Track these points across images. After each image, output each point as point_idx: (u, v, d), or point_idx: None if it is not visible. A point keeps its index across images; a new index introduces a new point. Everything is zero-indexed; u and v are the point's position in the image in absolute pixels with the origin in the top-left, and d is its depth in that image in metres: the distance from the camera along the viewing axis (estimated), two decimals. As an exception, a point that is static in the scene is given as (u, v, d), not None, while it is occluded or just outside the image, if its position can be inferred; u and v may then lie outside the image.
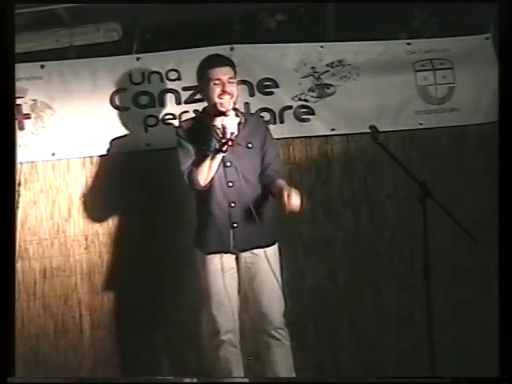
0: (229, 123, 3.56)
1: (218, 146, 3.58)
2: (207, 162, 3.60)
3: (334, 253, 4.36)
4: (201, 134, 3.69)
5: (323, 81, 4.32)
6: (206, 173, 3.61)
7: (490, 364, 3.40)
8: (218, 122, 3.61)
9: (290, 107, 4.30)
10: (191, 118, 3.99)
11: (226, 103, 3.64)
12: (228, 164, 3.65)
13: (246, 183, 3.66)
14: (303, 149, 4.27)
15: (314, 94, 4.32)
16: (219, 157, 3.60)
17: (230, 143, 3.54)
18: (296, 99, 4.31)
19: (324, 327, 4.36)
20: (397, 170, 3.53)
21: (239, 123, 3.66)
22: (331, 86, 4.33)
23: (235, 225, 3.66)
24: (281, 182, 3.66)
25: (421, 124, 4.40)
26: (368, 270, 4.37)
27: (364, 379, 4.12)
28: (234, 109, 3.70)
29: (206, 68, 3.71)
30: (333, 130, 4.35)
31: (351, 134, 4.34)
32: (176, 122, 4.19)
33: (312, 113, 4.32)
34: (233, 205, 3.66)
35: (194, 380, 3.65)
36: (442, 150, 4.42)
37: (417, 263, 3.87)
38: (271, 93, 4.26)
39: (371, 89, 4.34)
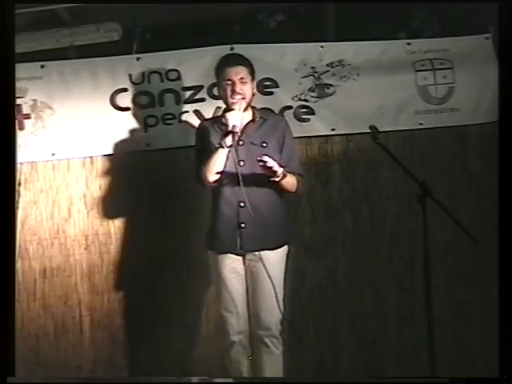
0: (231, 116, 3.57)
1: (220, 140, 3.59)
2: (213, 158, 3.59)
3: (334, 253, 4.36)
4: (213, 131, 3.72)
5: (323, 81, 4.32)
6: (212, 168, 3.60)
7: (489, 364, 3.40)
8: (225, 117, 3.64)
9: (290, 107, 4.29)
10: (212, 118, 4.00)
11: (237, 103, 3.63)
12: (241, 163, 3.63)
13: (258, 183, 3.63)
14: (303, 149, 4.27)
15: (313, 94, 4.32)
16: (224, 151, 3.58)
17: (231, 136, 3.55)
18: (296, 99, 4.30)
19: (324, 327, 4.36)
20: (397, 170, 3.53)
21: (252, 121, 3.69)
22: (331, 85, 4.33)
23: (243, 225, 3.63)
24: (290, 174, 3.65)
25: (421, 124, 4.40)
26: (368, 269, 4.37)
27: (364, 379, 4.12)
28: (252, 107, 3.74)
29: (219, 67, 3.74)
30: (333, 129, 4.35)
31: (351, 133, 4.34)
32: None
33: (312, 113, 4.32)
34: (242, 204, 3.61)
35: (194, 380, 3.65)
36: (442, 150, 4.42)
37: (417, 263, 3.90)
38: (271, 93, 4.26)
39: (371, 89, 4.34)
